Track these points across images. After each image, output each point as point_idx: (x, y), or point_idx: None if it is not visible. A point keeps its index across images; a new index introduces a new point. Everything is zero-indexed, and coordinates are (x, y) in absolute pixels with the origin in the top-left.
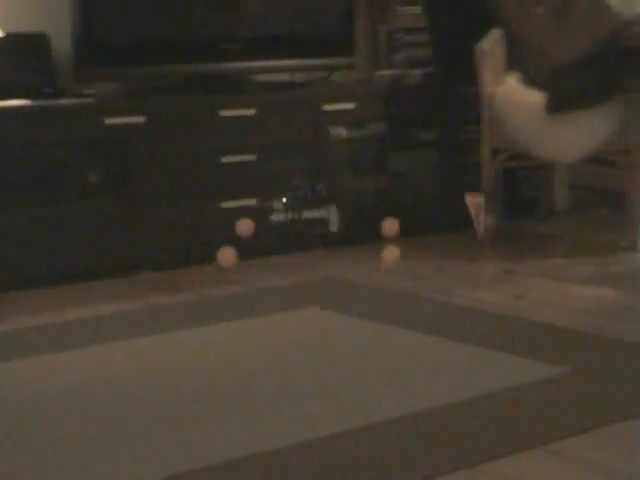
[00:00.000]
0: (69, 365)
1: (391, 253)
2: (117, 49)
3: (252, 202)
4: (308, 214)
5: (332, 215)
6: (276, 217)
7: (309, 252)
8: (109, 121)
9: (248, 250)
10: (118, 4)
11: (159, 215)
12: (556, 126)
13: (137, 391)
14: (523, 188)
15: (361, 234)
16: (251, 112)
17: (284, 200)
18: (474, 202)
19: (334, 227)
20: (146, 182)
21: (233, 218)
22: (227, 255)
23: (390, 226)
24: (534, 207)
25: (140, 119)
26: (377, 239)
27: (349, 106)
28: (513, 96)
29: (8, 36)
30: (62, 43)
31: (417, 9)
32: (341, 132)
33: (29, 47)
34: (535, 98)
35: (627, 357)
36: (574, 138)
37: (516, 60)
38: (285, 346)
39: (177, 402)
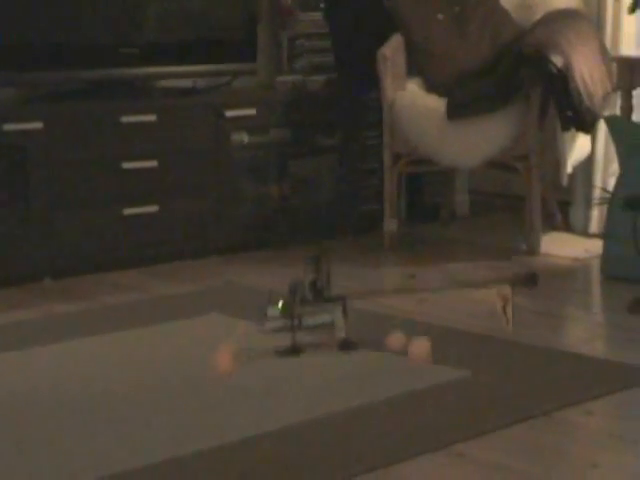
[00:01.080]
0: None
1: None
2: (15, 54)
3: (154, 209)
4: (310, 320)
5: (338, 318)
6: (272, 324)
7: (209, 258)
8: (7, 127)
9: (148, 258)
10: (16, 8)
11: (60, 222)
12: (456, 132)
13: (29, 400)
14: (425, 193)
15: (265, 242)
16: (152, 118)
17: (280, 305)
18: (502, 294)
19: (342, 332)
20: (46, 189)
21: (134, 224)
22: (224, 357)
23: (420, 348)
24: (435, 212)
25: (39, 125)
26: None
27: (251, 112)
28: (414, 102)
29: None
30: None
31: (318, 15)
32: (243, 138)
33: None
34: (436, 104)
35: (527, 360)
36: (474, 143)
37: (417, 66)
38: (184, 353)
39: (70, 411)
